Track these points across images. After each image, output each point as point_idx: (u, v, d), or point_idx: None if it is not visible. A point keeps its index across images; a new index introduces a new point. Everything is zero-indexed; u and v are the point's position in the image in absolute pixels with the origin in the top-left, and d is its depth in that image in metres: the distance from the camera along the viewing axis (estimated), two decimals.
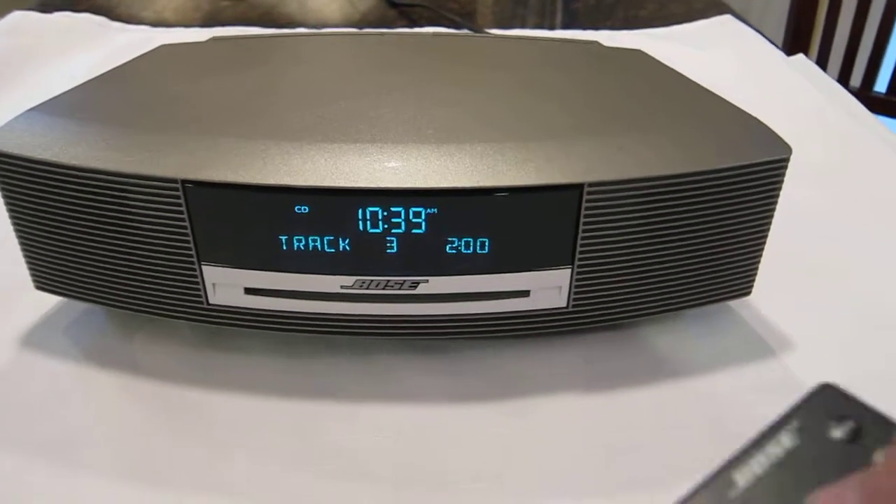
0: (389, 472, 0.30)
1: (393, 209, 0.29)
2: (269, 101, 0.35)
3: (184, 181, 0.29)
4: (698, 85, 0.39)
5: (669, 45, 0.75)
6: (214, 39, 0.49)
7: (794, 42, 1.30)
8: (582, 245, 0.31)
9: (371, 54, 0.45)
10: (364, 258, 0.31)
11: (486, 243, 0.30)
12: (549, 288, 0.32)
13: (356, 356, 0.36)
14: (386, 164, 0.29)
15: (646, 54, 0.46)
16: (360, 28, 0.83)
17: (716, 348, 0.36)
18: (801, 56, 0.74)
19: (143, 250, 0.31)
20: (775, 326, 0.38)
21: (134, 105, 0.35)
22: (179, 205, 0.30)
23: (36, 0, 0.88)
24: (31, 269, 0.34)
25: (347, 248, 0.30)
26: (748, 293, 0.35)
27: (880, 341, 0.37)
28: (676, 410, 0.33)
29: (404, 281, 0.31)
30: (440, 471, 0.30)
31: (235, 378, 0.34)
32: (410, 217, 0.30)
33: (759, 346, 0.37)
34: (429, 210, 0.29)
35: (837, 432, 0.17)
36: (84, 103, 0.35)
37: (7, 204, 0.32)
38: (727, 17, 0.84)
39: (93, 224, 0.31)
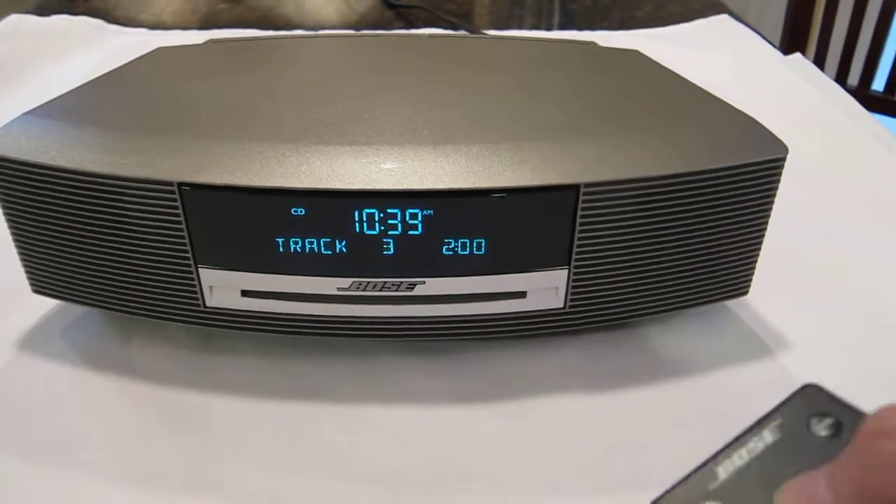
0: (389, 473, 0.30)
1: (389, 211, 0.29)
2: (266, 104, 0.35)
3: (180, 184, 0.29)
4: (695, 85, 0.39)
5: (666, 46, 0.75)
6: (211, 42, 0.49)
7: (791, 41, 1.30)
8: (578, 246, 0.31)
9: (367, 56, 0.45)
10: (361, 260, 0.31)
11: (483, 244, 0.30)
12: (545, 289, 0.32)
13: (354, 358, 0.36)
14: (382, 165, 0.29)
15: (642, 55, 0.46)
16: (358, 29, 0.83)
17: (714, 348, 0.36)
18: (798, 55, 0.74)
19: (140, 253, 0.31)
20: (772, 326, 0.38)
21: (130, 108, 0.35)
22: (176, 207, 0.30)
23: (33, 3, 0.88)
24: (28, 272, 0.34)
25: (344, 249, 0.30)
26: (745, 293, 0.35)
27: (877, 340, 0.37)
28: (676, 409, 0.33)
29: (401, 282, 0.31)
30: (440, 472, 0.30)
31: (232, 380, 0.34)
32: (407, 218, 0.30)
33: (757, 345, 0.37)
34: (425, 211, 0.29)
35: (818, 428, 0.18)
36: (81, 106, 0.35)
37: (3, 207, 0.32)
38: (724, 17, 0.84)
39: (89, 227, 0.31)
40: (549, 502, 0.29)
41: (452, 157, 0.30)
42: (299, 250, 0.30)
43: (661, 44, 0.76)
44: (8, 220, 0.33)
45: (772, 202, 0.33)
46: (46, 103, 0.35)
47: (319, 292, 0.32)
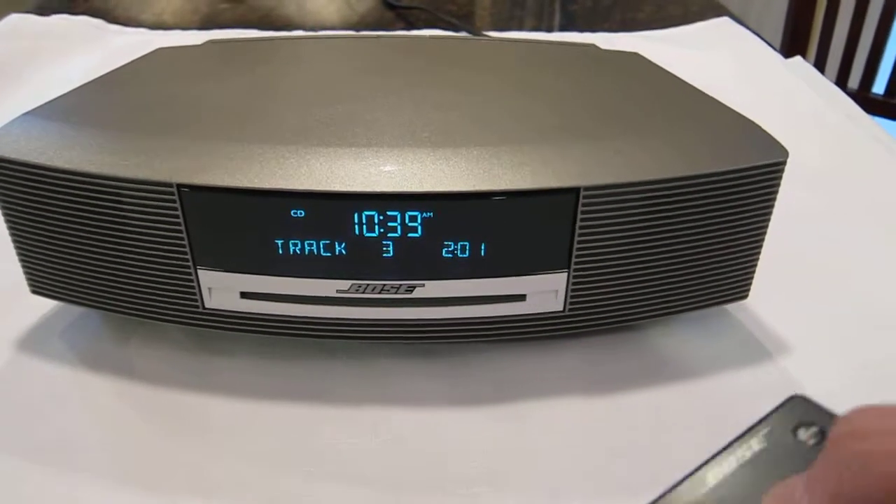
0: (388, 475, 0.30)
1: (389, 213, 0.29)
2: (265, 105, 0.35)
3: (179, 185, 0.29)
4: (695, 88, 0.39)
5: (667, 48, 0.75)
6: (211, 43, 0.49)
7: (791, 44, 1.30)
8: (578, 249, 0.31)
9: (368, 57, 0.45)
10: (360, 262, 0.31)
11: (482, 247, 0.30)
12: (545, 292, 0.32)
13: (353, 360, 0.36)
14: (382, 167, 0.29)
15: (642, 57, 0.46)
16: (358, 30, 0.83)
17: (714, 351, 0.36)
18: (798, 58, 0.74)
19: (139, 254, 0.31)
20: (772, 328, 0.38)
21: (130, 109, 0.35)
22: (175, 209, 0.30)
23: (33, 3, 0.88)
24: (26, 273, 0.34)
25: (343, 252, 0.30)
26: (745, 297, 0.35)
27: (877, 342, 0.37)
28: (675, 412, 0.33)
29: (400, 285, 0.31)
30: (439, 475, 0.30)
31: (230, 382, 0.34)
32: (406, 221, 0.30)
33: (756, 348, 0.37)
34: (425, 214, 0.29)
35: (804, 436, 0.18)
36: (80, 107, 0.35)
37: (3, 208, 0.32)
38: (724, 20, 0.84)
39: (88, 228, 0.31)
40: None
41: (452, 160, 0.30)
42: (299, 252, 0.30)
43: (661, 46, 0.76)
44: (7, 221, 0.33)
45: (772, 206, 0.33)
46: (46, 104, 0.35)
47: (318, 294, 0.32)
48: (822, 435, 0.18)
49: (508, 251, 0.31)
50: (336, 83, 0.39)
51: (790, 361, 0.36)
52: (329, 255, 0.30)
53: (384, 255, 0.30)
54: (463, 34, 0.79)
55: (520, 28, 0.87)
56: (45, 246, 0.32)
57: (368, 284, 0.31)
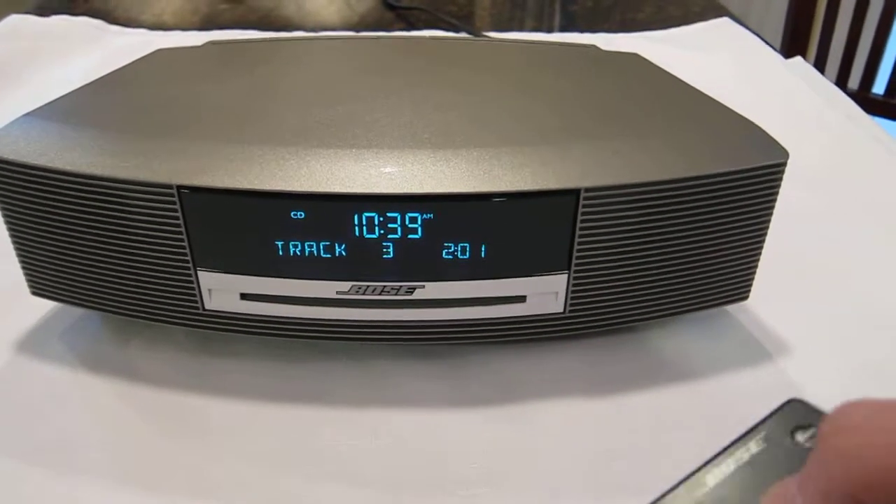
0: (388, 477, 0.30)
1: (389, 215, 0.29)
2: (265, 106, 0.35)
3: (179, 187, 0.29)
4: (695, 89, 0.39)
5: (667, 48, 0.75)
6: (210, 44, 0.49)
7: (792, 44, 1.30)
8: (578, 250, 0.31)
9: (368, 58, 0.45)
10: (360, 264, 0.31)
11: (483, 249, 0.30)
12: (545, 293, 0.32)
13: (353, 361, 0.35)
14: (382, 169, 0.29)
15: (642, 58, 0.46)
16: (358, 31, 0.83)
17: (714, 352, 0.36)
18: (798, 59, 0.74)
19: (139, 256, 0.31)
20: (772, 329, 0.38)
21: (130, 110, 0.35)
22: (175, 210, 0.30)
23: (33, 3, 0.88)
24: (26, 274, 0.34)
25: (343, 253, 0.30)
26: (745, 298, 0.35)
27: (877, 342, 0.37)
28: (676, 413, 0.33)
29: (400, 286, 0.31)
30: (439, 476, 0.30)
31: (231, 383, 0.34)
32: (406, 222, 0.30)
33: (757, 348, 0.37)
34: (425, 215, 0.29)
35: (801, 439, 0.19)
36: (80, 108, 0.35)
37: (3, 209, 0.32)
38: (725, 20, 0.84)
39: (88, 230, 0.31)
40: None
41: (452, 161, 0.30)
42: (299, 254, 0.30)
43: (661, 46, 0.76)
44: (7, 222, 0.33)
45: (772, 207, 0.33)
46: (46, 105, 0.35)
47: (318, 296, 0.32)
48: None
49: (508, 252, 0.31)
50: (336, 84, 0.39)
51: (790, 362, 0.36)
52: (329, 256, 0.30)
53: (384, 256, 0.30)
54: (463, 35, 0.79)
55: (520, 29, 0.87)
56: (45, 247, 0.32)
57: (368, 286, 0.31)
